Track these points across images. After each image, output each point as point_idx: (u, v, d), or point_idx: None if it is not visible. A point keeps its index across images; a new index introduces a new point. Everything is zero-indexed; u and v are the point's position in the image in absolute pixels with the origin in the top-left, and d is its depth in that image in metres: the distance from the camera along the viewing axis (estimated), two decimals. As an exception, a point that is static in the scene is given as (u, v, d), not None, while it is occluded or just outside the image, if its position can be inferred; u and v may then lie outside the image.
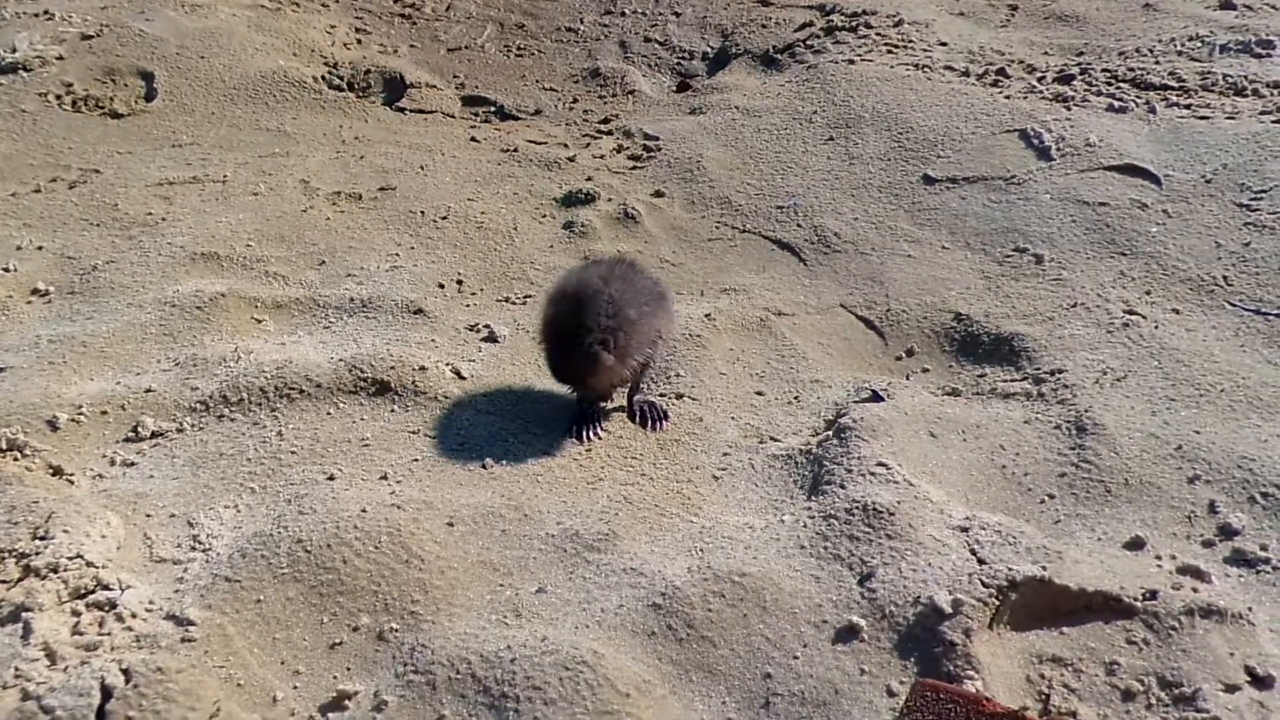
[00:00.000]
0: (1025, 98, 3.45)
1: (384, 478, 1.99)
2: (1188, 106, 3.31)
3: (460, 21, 4.50)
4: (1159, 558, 1.79)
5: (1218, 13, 4.03)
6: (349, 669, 1.62)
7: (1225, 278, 2.60)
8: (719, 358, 2.46)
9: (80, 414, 2.14)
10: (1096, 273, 2.67)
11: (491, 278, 2.78)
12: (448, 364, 2.33)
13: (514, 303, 2.67)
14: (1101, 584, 1.68)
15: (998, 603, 1.64)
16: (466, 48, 4.31)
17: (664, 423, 2.20)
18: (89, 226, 2.96)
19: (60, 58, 3.81)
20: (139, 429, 2.12)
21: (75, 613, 1.64)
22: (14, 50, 3.84)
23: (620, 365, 2.07)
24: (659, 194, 3.20)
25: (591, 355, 2.01)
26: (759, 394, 2.36)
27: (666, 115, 3.76)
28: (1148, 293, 2.58)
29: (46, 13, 4.08)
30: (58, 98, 3.67)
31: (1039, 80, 3.59)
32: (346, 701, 1.56)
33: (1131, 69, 3.58)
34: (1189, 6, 4.11)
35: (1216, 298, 2.55)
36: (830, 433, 2.12)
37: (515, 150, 3.50)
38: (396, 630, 1.66)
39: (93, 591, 1.68)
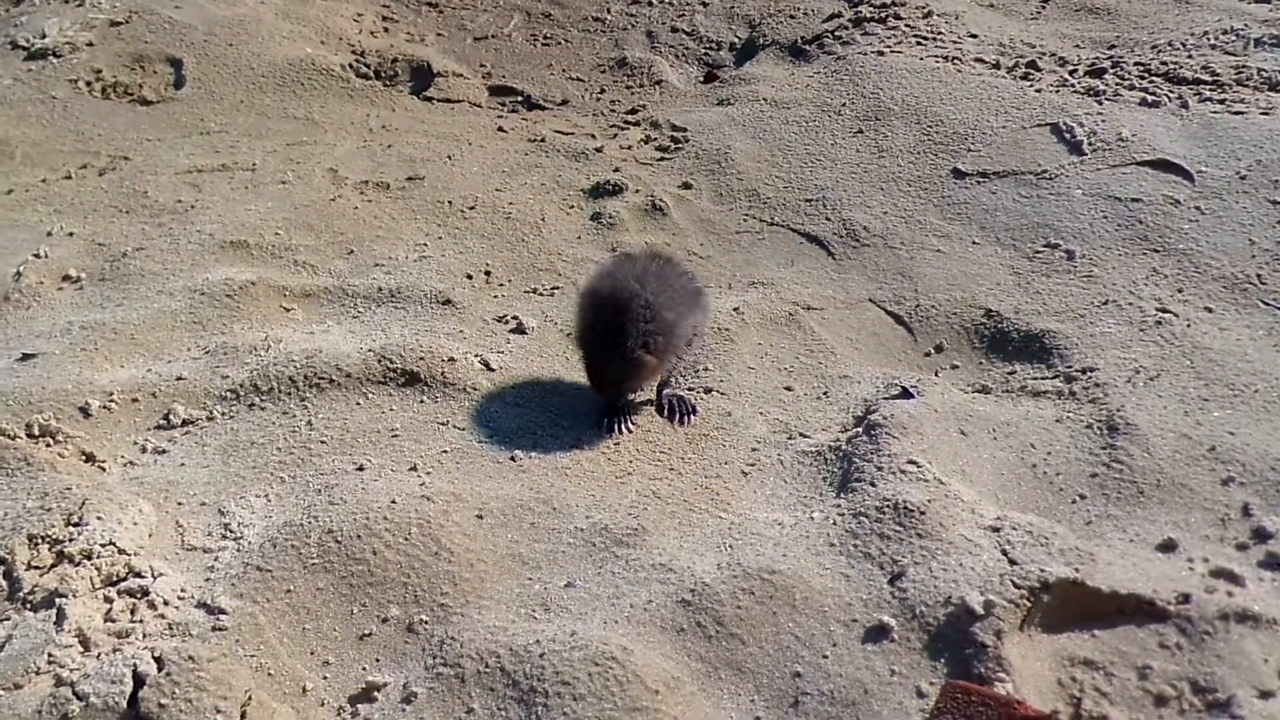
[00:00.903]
0: (1057, 91, 3.41)
1: (413, 469, 2.00)
2: (1221, 101, 3.26)
3: (487, 10, 4.49)
4: (1192, 560, 1.77)
5: (1252, 5, 3.97)
6: (378, 660, 1.63)
7: (1259, 276, 2.56)
8: (747, 352, 2.45)
9: (112, 401, 2.16)
10: (1128, 269, 2.64)
11: (519, 269, 2.78)
12: (476, 355, 2.34)
13: (541, 294, 2.67)
14: (1134, 586, 1.66)
15: (1029, 604, 1.63)
16: (493, 36, 4.31)
17: (692, 417, 2.19)
18: (119, 213, 2.98)
19: (90, 44, 3.83)
20: (170, 417, 2.14)
21: (108, 599, 1.65)
22: (44, 36, 3.86)
23: (659, 367, 2.10)
24: (687, 185, 3.19)
25: (633, 361, 2.02)
26: (788, 389, 2.35)
27: (694, 106, 3.74)
28: (1180, 290, 2.55)
29: (76, -1, 4.11)
30: (87, 84, 3.69)
31: (1070, 73, 3.55)
32: (375, 693, 1.57)
33: (1164, 62, 3.53)
34: (1224, -1, 4.05)
35: (1250, 296, 2.51)
36: (860, 429, 2.11)
37: (542, 140, 3.49)
38: (426, 622, 1.67)
39: (125, 579, 1.70)
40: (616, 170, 3.25)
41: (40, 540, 1.75)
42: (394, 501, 1.85)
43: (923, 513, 1.80)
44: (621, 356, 2.02)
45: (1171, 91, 3.34)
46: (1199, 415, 2.13)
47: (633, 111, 3.75)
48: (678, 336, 2.09)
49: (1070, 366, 2.32)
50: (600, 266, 2.30)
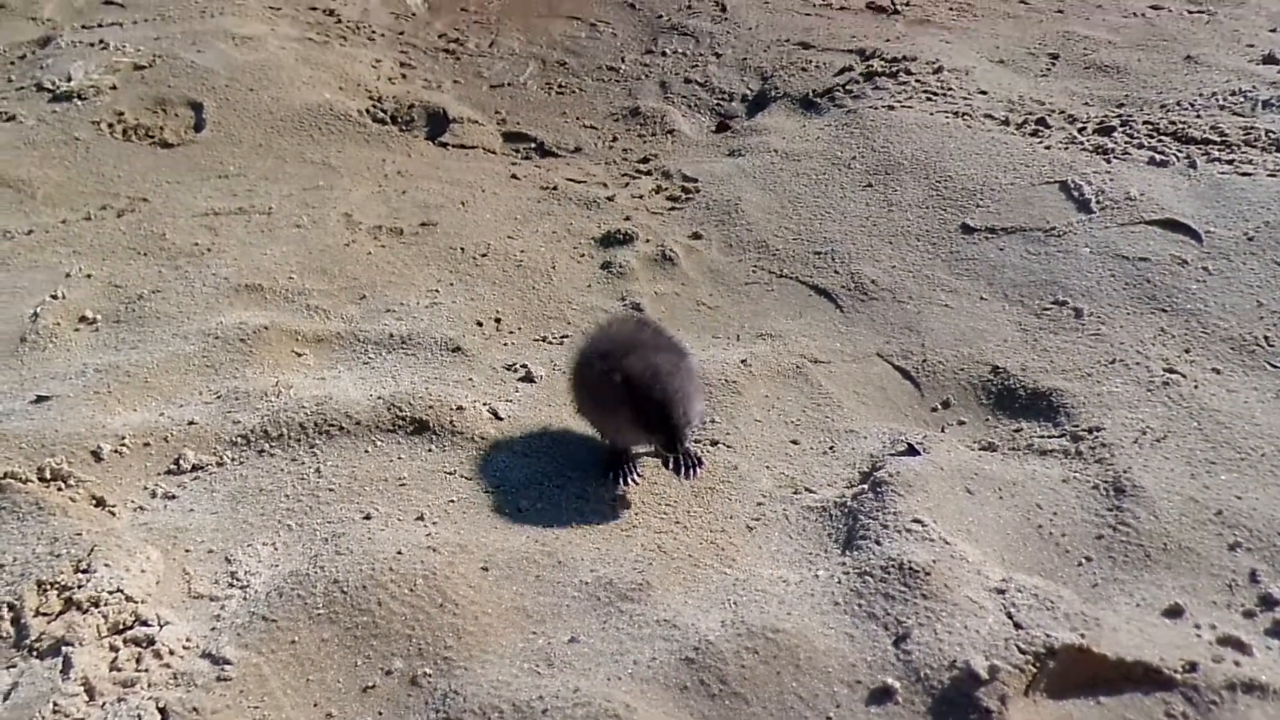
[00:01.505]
0: (1066, 148, 3.44)
1: (420, 518, 2.01)
2: (1230, 161, 3.29)
3: (503, 58, 4.57)
4: (1199, 627, 1.77)
5: (1261, 67, 4.01)
6: (381, 713, 1.62)
7: (1267, 338, 2.57)
8: (754, 404, 2.46)
9: (123, 445, 2.17)
10: (1136, 329, 2.65)
11: (529, 316, 2.80)
12: (485, 404, 2.35)
13: (551, 342, 2.69)
14: (1141, 653, 1.66)
15: (1035, 669, 1.62)
16: (509, 84, 4.37)
17: (698, 470, 2.20)
18: (136, 255, 3.02)
19: (114, 87, 3.90)
20: (180, 461, 2.15)
21: (114, 648, 1.66)
22: (69, 79, 3.94)
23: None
24: (697, 236, 3.22)
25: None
26: (794, 443, 2.36)
27: (705, 156, 3.78)
28: (1187, 351, 2.56)
29: (101, 42, 4.19)
30: (109, 126, 3.75)
31: (1079, 131, 3.58)
32: (378, 747, 1.57)
33: (1173, 122, 3.57)
34: (1231, 60, 4.10)
35: (1258, 358, 2.52)
36: (865, 485, 2.11)
37: (555, 188, 3.53)
38: (430, 675, 1.67)
39: (131, 627, 1.71)
40: (628, 219, 3.29)
41: (49, 586, 1.76)
42: (400, 552, 1.85)
43: (928, 573, 1.80)
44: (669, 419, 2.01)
45: (1180, 151, 3.37)
46: (1206, 478, 2.13)
47: (645, 160, 3.80)
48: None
49: (1077, 425, 2.33)
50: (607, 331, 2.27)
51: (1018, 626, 1.70)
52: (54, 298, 2.76)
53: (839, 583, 1.84)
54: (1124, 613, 1.80)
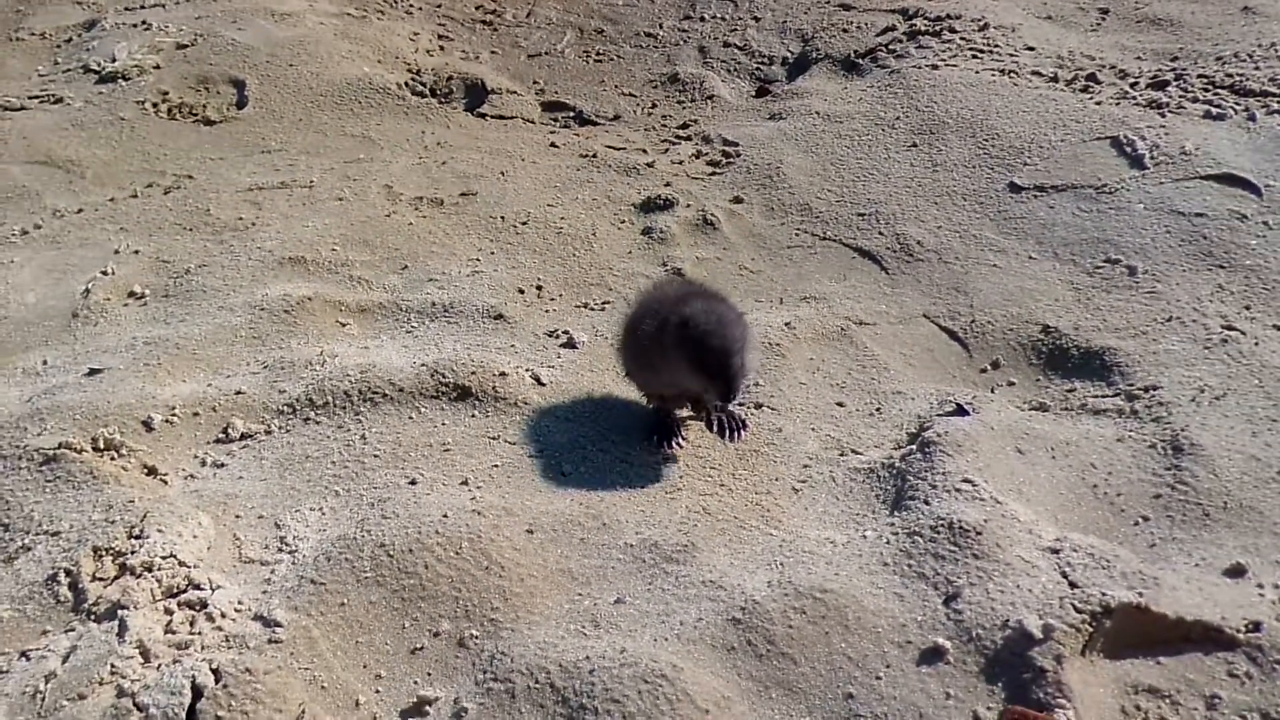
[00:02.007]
0: (1117, 104, 3.34)
1: (464, 483, 2.01)
2: (1291, 113, 3.17)
3: (541, 28, 4.54)
4: (1261, 586, 1.71)
5: (1323, 14, 3.86)
6: (429, 674, 1.63)
7: (1332, 292, 2.49)
8: (799, 367, 2.43)
9: (174, 415, 2.20)
10: (1193, 286, 2.57)
11: (570, 283, 2.79)
12: (527, 370, 2.35)
13: (593, 309, 2.68)
14: (1201, 613, 1.61)
15: (1091, 629, 1.59)
16: (547, 53, 4.34)
17: (743, 432, 2.17)
18: (182, 231, 3.05)
19: (157, 67, 3.94)
20: (229, 430, 2.18)
21: (168, 611, 1.69)
22: (113, 60, 3.98)
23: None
24: (738, 200, 3.18)
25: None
26: (839, 405, 2.33)
27: (746, 121, 3.73)
28: (1247, 307, 2.48)
29: (144, 23, 4.23)
30: (154, 105, 3.79)
31: (1131, 86, 3.48)
32: (427, 707, 1.58)
33: (1230, 74, 3.45)
34: (1292, 8, 3.95)
35: (1322, 313, 2.44)
36: (913, 446, 2.08)
37: (594, 156, 3.51)
38: (476, 637, 1.67)
39: (184, 591, 1.73)
40: (668, 185, 3.26)
41: (104, 552, 1.79)
42: (445, 516, 1.86)
43: (979, 533, 1.77)
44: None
45: (1238, 104, 3.26)
46: (1268, 436, 2.06)
47: (684, 126, 3.76)
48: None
49: (1132, 385, 2.27)
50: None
51: (1073, 585, 1.66)
52: (104, 274, 2.80)
53: (887, 543, 1.81)
54: (1183, 572, 1.75)
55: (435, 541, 1.81)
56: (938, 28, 3.98)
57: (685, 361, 1.94)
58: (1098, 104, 3.35)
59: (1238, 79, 3.41)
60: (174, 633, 1.65)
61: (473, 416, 2.22)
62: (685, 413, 2.21)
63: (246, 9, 4.33)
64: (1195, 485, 1.94)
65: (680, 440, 2.13)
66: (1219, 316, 2.45)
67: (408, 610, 1.72)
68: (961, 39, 3.89)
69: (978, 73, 3.63)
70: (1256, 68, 3.50)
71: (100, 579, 1.75)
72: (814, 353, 2.49)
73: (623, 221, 3.10)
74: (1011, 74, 3.61)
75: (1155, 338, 2.41)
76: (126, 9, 4.47)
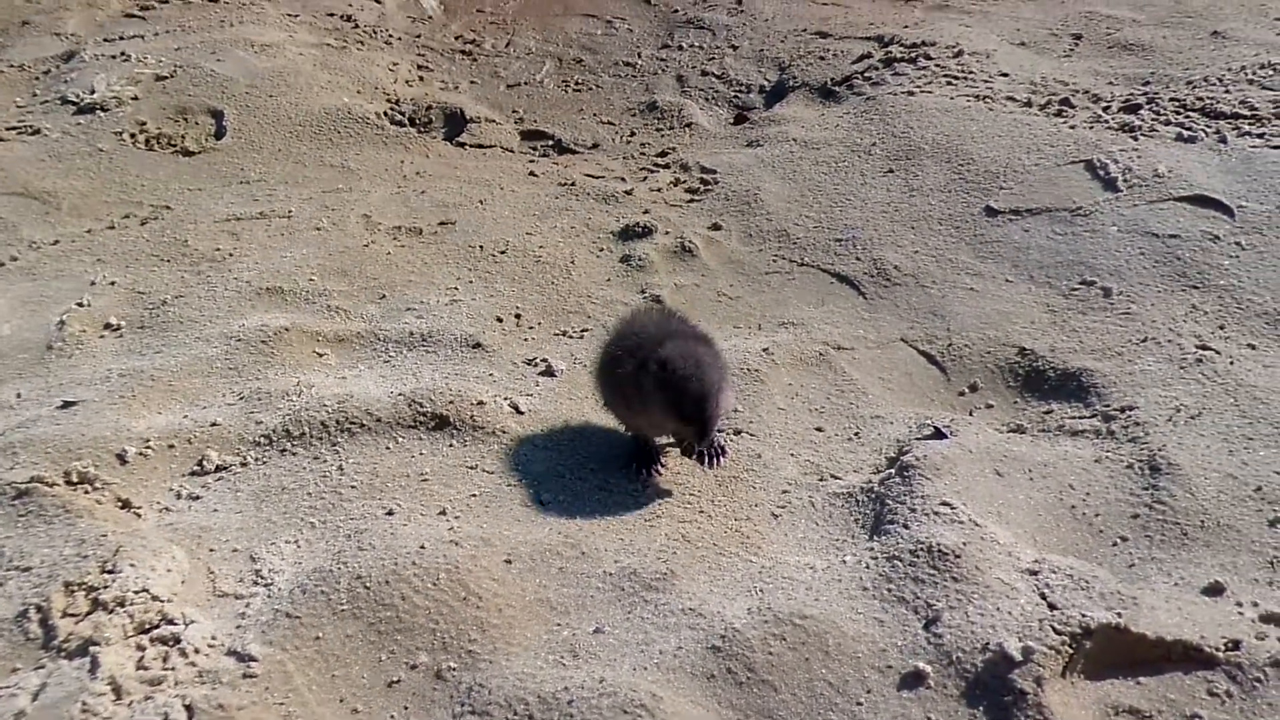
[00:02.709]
0: (1090, 128, 3.38)
1: (442, 513, 2.00)
2: (1260, 136, 3.22)
3: (520, 57, 4.56)
4: (1240, 605, 1.72)
5: (1290, 39, 3.93)
6: (406, 708, 1.61)
7: (1304, 311, 2.51)
8: (777, 393, 2.43)
9: (148, 447, 2.18)
10: (1167, 306, 2.60)
11: (549, 311, 2.79)
12: (506, 399, 2.34)
13: (571, 336, 2.68)
14: (1180, 632, 1.61)
15: (1071, 650, 1.58)
16: (525, 83, 4.37)
17: (722, 459, 2.17)
18: (159, 262, 3.04)
19: (135, 98, 3.94)
20: (204, 462, 2.16)
21: (140, 647, 1.66)
22: (92, 91, 3.97)
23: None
24: (716, 227, 3.20)
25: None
26: (818, 430, 2.33)
27: (724, 148, 3.76)
28: (1221, 327, 2.50)
29: (123, 55, 4.22)
30: (132, 136, 3.78)
31: (1104, 110, 3.52)
32: (404, 741, 1.56)
33: (1200, 98, 3.50)
34: (1259, 33, 4.02)
35: (1295, 332, 2.46)
36: (892, 470, 2.08)
37: (573, 184, 3.52)
38: (454, 669, 1.65)
39: (158, 626, 1.70)
40: (646, 212, 3.27)
41: (76, 587, 1.76)
42: (423, 547, 1.84)
43: (958, 555, 1.77)
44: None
45: (1209, 126, 3.30)
46: (1244, 455, 2.07)
47: (663, 154, 3.78)
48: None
49: (1109, 405, 2.28)
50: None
51: (1052, 607, 1.66)
52: (79, 305, 2.78)
53: (867, 568, 1.81)
54: (1162, 591, 1.75)
55: (412, 573, 1.79)
56: (913, 55, 4.02)
57: (662, 405, 1.98)
58: (1071, 128, 3.39)
59: (1208, 102, 3.46)
60: (146, 669, 1.63)
61: (451, 446, 2.21)
62: (665, 440, 2.20)
63: (226, 40, 4.34)
64: (1173, 505, 1.95)
65: (660, 467, 2.13)
66: (1194, 336, 2.47)
67: (384, 643, 1.70)
68: (936, 66, 3.93)
69: (953, 99, 3.66)
70: (1226, 91, 3.55)
71: (71, 615, 1.72)
72: (793, 378, 2.49)
73: (601, 249, 3.10)
74: (986, 99, 3.65)
75: (1131, 358, 2.42)
76: (105, 40, 4.47)
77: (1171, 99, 3.52)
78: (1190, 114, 3.41)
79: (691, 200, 3.38)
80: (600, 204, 3.37)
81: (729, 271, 3.00)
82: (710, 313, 2.79)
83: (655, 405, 2.00)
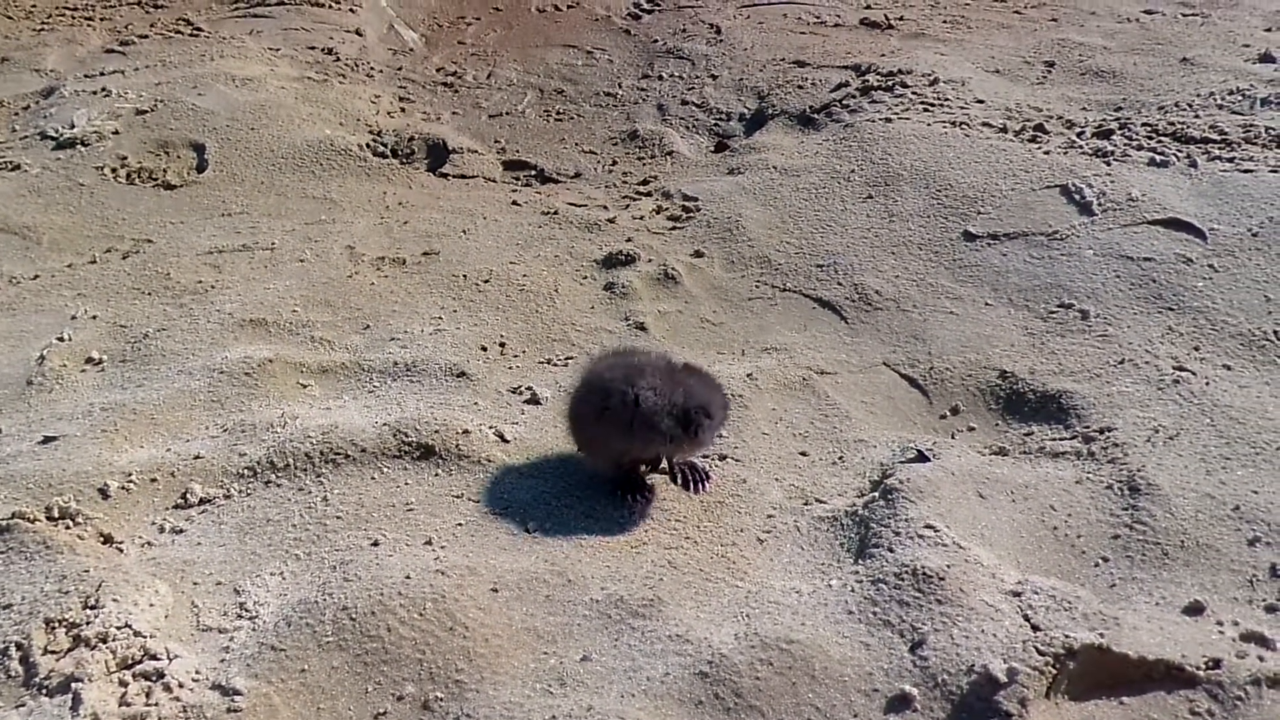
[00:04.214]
0: (1065, 153, 3.44)
1: (428, 543, 1.99)
2: (1230, 160, 3.27)
3: (501, 89, 4.60)
4: (1220, 624, 1.73)
5: (1257, 66, 4.01)
6: (393, 739, 1.60)
7: (1276, 332, 2.55)
8: (761, 418, 2.45)
9: (131, 481, 2.17)
10: (1144, 328, 2.63)
11: (533, 340, 2.80)
12: (491, 427, 2.34)
13: (556, 364, 2.69)
14: (1162, 652, 1.63)
15: (1055, 671, 1.59)
16: (507, 114, 4.40)
17: (706, 484, 2.18)
18: (141, 295, 3.03)
19: (116, 132, 3.94)
20: (188, 496, 2.15)
21: (123, 683, 1.65)
22: (73, 126, 3.98)
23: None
24: (699, 254, 3.22)
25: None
26: (803, 454, 2.34)
27: (705, 176, 3.79)
28: (1197, 348, 2.54)
29: (104, 90, 4.24)
30: (113, 170, 3.78)
31: (1078, 135, 3.58)
32: (391, 773, 1.55)
33: (1172, 123, 3.56)
34: (1228, 60, 4.10)
35: (1268, 353, 2.50)
36: (876, 494, 2.09)
37: (556, 213, 3.54)
38: (441, 699, 1.65)
39: (140, 661, 1.69)
40: (629, 240, 3.29)
41: (57, 624, 1.75)
42: (409, 577, 1.84)
43: (942, 578, 1.78)
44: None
45: (1180, 151, 3.36)
46: (1222, 474, 2.10)
47: (644, 182, 3.81)
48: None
49: (1088, 427, 2.31)
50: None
51: (1035, 628, 1.67)
52: (60, 340, 2.77)
53: (852, 591, 1.82)
54: (1144, 611, 1.77)
55: (398, 603, 1.79)
56: (890, 83, 4.08)
57: (663, 410, 2.04)
58: (1046, 153, 3.44)
59: (1179, 127, 3.53)
60: (129, 705, 1.61)
61: (436, 475, 2.21)
62: (646, 469, 2.21)
63: (207, 74, 4.36)
64: (1153, 525, 1.97)
65: (646, 493, 2.13)
66: (1170, 358, 2.50)
67: (370, 674, 1.69)
68: (913, 93, 3.99)
69: (930, 125, 3.71)
70: (1197, 116, 3.62)
71: (53, 651, 1.71)
72: (776, 403, 2.50)
73: (585, 277, 3.12)
74: (963, 126, 3.70)
75: (1109, 380, 2.45)
76: (86, 76, 4.48)
77: (1143, 124, 3.58)
78: (1162, 139, 3.47)
79: (674, 228, 3.41)
80: (583, 232, 3.39)
81: (712, 298, 3.03)
82: (694, 339, 2.81)
83: (656, 417, 2.03)
